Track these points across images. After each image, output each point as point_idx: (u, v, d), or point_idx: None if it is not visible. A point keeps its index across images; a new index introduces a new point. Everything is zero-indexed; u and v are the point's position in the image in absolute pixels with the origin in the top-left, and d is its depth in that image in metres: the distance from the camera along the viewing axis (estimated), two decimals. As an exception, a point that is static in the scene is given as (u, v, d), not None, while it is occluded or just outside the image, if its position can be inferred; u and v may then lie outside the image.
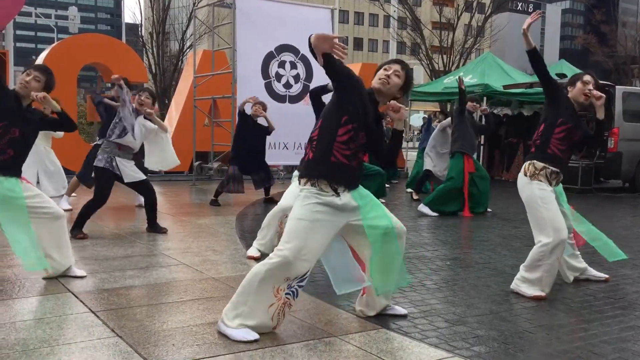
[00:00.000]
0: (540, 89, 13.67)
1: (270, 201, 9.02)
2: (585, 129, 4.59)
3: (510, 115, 16.06)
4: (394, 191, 11.79)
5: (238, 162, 8.72)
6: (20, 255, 4.25)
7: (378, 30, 67.42)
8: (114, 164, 6.25)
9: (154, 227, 6.60)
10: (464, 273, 5.12)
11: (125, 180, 6.38)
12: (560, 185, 4.61)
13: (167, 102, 21.02)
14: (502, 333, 3.59)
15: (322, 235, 3.35)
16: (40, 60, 12.79)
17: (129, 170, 6.36)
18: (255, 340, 3.28)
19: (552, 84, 4.64)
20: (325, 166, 3.38)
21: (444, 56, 24.72)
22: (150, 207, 6.60)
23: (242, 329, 3.33)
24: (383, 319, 3.79)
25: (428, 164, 10.26)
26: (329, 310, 3.95)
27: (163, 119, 15.77)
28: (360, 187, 3.58)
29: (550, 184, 4.46)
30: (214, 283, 4.55)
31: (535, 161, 4.49)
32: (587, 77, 4.54)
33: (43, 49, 15.02)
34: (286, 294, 3.36)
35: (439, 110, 14.74)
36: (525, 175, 4.51)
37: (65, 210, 7.97)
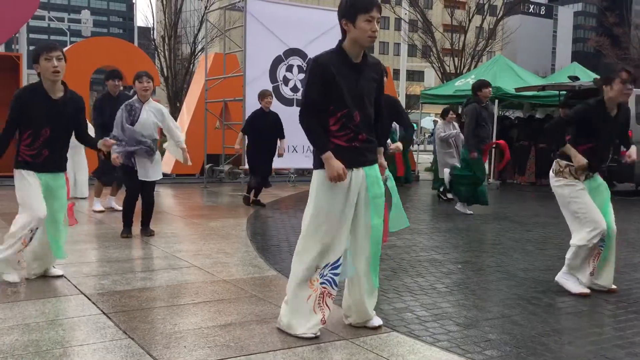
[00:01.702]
0: (552, 92, 13.65)
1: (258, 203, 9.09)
2: (616, 133, 4.62)
3: (522, 118, 15.99)
4: (408, 194, 11.77)
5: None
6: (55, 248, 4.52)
7: (389, 32, 67.36)
8: (132, 159, 6.22)
9: (146, 231, 6.49)
10: (476, 276, 5.10)
11: (140, 178, 6.28)
12: (597, 178, 4.62)
13: (178, 105, 21.09)
14: (514, 337, 3.57)
15: (341, 218, 3.38)
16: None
17: (142, 170, 6.27)
18: (315, 337, 3.38)
19: (573, 120, 4.61)
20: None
21: (455, 59, 24.63)
22: (148, 211, 6.53)
23: (300, 327, 3.40)
24: (394, 322, 3.78)
25: (446, 173, 10.29)
26: (338, 311, 3.95)
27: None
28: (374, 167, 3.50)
29: (578, 179, 4.53)
30: (225, 285, 4.56)
31: (559, 159, 4.63)
32: (624, 75, 4.42)
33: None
34: (321, 283, 3.39)
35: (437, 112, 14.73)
36: (552, 172, 4.66)
37: (97, 211, 8.03)
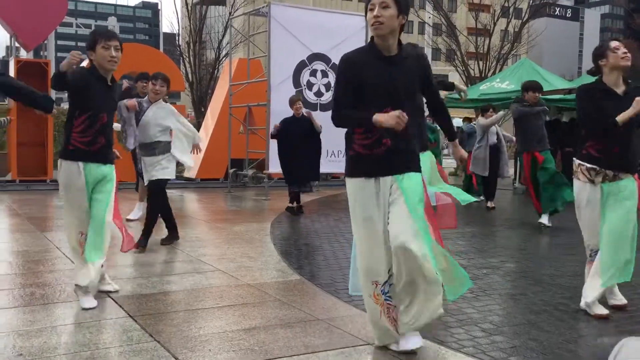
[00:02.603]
0: (579, 95, 13.44)
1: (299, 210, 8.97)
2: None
3: (548, 121, 15.80)
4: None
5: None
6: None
7: (413, 36, 67.04)
8: (139, 165, 6.19)
9: (142, 239, 5.99)
10: (501, 282, 5.05)
11: (145, 178, 6.14)
12: (624, 181, 4.12)
13: (203, 110, 21.26)
14: (540, 343, 3.52)
15: (374, 229, 3.23)
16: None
17: (145, 172, 6.08)
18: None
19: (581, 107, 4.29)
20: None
21: (480, 62, 24.45)
22: (146, 217, 6.20)
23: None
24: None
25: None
26: (363, 316, 3.94)
27: (199, 127, 15.99)
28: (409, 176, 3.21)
29: (593, 182, 4.14)
30: (249, 289, 4.57)
31: (575, 159, 4.34)
32: (614, 44, 4.16)
33: (83, 59, 15.33)
34: (385, 299, 3.24)
35: (473, 116, 14.59)
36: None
37: (131, 220, 7.82)
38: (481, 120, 10.53)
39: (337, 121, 3.28)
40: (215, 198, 11.06)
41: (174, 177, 6.46)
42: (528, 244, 6.88)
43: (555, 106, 14.57)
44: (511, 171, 16.05)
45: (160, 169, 6.00)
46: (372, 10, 3.11)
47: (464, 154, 3.67)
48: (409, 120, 3.09)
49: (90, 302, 3.98)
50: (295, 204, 8.90)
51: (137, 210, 7.99)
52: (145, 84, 7.82)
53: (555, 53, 74.24)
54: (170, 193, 6.63)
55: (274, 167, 11.17)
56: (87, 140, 4.09)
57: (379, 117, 3.06)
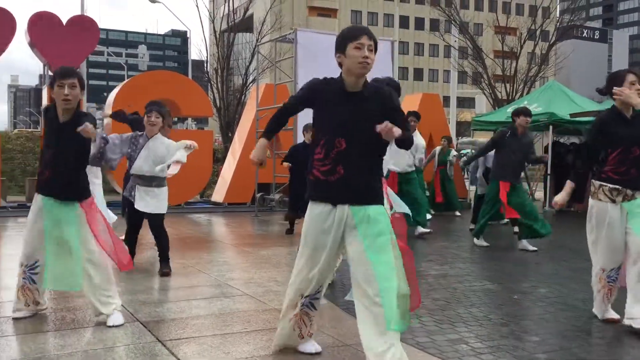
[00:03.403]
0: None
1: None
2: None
3: (578, 144, 15.62)
4: (458, 223, 11.60)
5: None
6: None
7: (438, 60, 67.24)
8: (132, 193, 6.06)
9: (162, 267, 6.07)
10: (532, 307, 4.96)
11: (135, 207, 6.00)
12: (636, 200, 4.29)
13: (230, 135, 21.48)
14: (574, 371, 3.44)
15: (319, 252, 3.45)
16: (111, 96, 13.39)
17: (141, 200, 5.98)
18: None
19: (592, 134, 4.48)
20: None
21: (507, 85, 24.33)
22: (159, 246, 6.17)
23: None
24: (449, 353, 3.70)
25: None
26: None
27: (227, 152, 16.14)
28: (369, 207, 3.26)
29: (614, 201, 4.32)
30: (276, 314, 4.56)
31: (593, 180, 4.46)
32: (631, 77, 4.27)
33: (114, 86, 15.73)
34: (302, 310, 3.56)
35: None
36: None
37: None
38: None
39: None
40: (243, 222, 11.11)
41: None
42: (559, 269, 6.75)
43: (585, 128, 14.41)
44: (540, 194, 15.87)
45: (157, 202, 6.02)
46: (359, 49, 3.21)
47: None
48: (358, 156, 3.25)
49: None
50: (292, 227, 9.23)
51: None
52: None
53: (583, 75, 73.57)
54: (198, 217, 6.74)
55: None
56: (40, 171, 4.31)
57: (259, 144, 3.50)
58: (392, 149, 3.69)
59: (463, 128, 34.72)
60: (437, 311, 4.67)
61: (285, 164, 9.03)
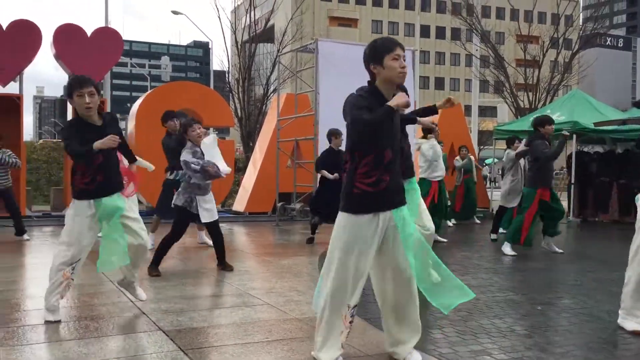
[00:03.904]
0: (634, 126, 13.12)
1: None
2: None
3: (601, 153, 15.42)
4: (479, 232, 11.50)
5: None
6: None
7: (460, 69, 67.00)
8: (193, 204, 6.43)
9: (222, 265, 6.74)
10: (557, 318, 4.89)
11: (202, 221, 6.57)
12: None
13: (251, 144, 21.60)
14: (600, 384, 3.38)
15: (364, 261, 3.50)
16: (135, 107, 13.55)
17: (205, 211, 6.49)
18: None
19: None
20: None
21: (530, 93, 24.13)
22: (219, 247, 6.75)
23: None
24: (471, 365, 3.66)
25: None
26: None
27: (248, 161, 16.22)
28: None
29: None
30: (297, 324, 4.56)
31: None
32: None
33: (138, 97, 15.91)
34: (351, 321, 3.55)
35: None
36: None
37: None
38: (511, 153, 10.35)
39: (363, 125, 3.31)
40: (263, 231, 11.13)
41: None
42: (584, 279, 6.66)
43: (609, 137, 14.23)
44: (564, 203, 15.68)
45: (212, 208, 6.57)
46: (397, 59, 3.38)
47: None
48: (396, 162, 3.45)
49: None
50: (313, 234, 9.27)
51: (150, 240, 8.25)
52: (173, 122, 8.15)
53: (607, 83, 72.75)
54: (220, 226, 6.83)
55: (322, 200, 11.23)
56: (88, 180, 4.48)
57: (394, 101, 3.31)
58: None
59: (485, 137, 34.48)
60: (460, 322, 4.62)
61: (324, 172, 8.93)
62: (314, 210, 9.18)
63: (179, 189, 6.62)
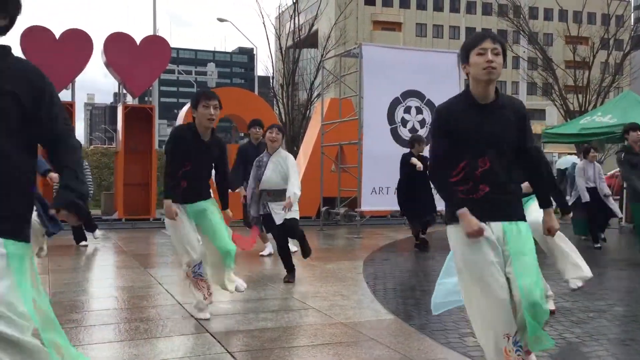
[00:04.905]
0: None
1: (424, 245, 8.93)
2: None
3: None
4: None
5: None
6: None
7: (506, 71, 65.68)
8: (267, 210, 6.44)
9: (292, 274, 6.50)
10: (609, 326, 4.74)
11: (277, 223, 6.42)
12: None
13: (295, 149, 21.74)
14: (657, 395, 3.26)
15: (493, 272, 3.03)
16: (182, 113, 13.81)
17: (277, 214, 6.40)
18: None
19: None
20: None
21: (579, 96, 23.54)
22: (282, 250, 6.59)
23: None
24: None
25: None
26: (460, 359, 3.81)
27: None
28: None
29: None
30: (343, 328, 4.55)
31: None
32: None
33: (184, 103, 16.22)
34: (517, 351, 2.98)
35: (573, 152, 13.97)
36: None
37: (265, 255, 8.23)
38: (580, 164, 10.03)
39: (434, 180, 3.20)
40: (308, 236, 11.04)
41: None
42: (637, 287, 6.44)
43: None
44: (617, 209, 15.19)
45: (290, 209, 6.32)
46: (482, 54, 3.00)
47: (556, 225, 3.23)
48: (498, 173, 3.01)
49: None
50: (419, 240, 8.99)
51: (268, 249, 8.34)
52: (257, 131, 8.19)
53: (661, 84, 70.22)
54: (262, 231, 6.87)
55: (366, 205, 11.20)
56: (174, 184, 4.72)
57: (465, 216, 2.96)
58: None
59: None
60: (508, 329, 4.53)
61: (414, 159, 8.76)
62: (409, 215, 9.05)
63: (252, 201, 6.59)
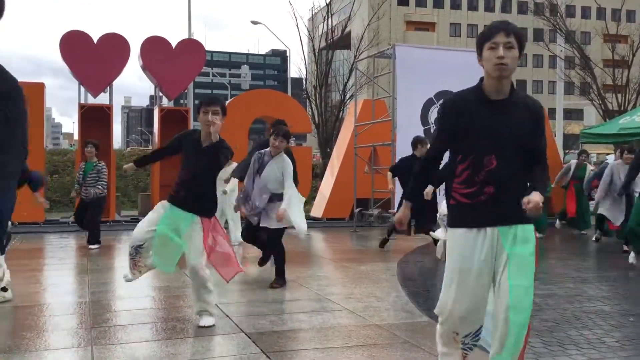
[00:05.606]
0: None
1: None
2: None
3: None
4: (571, 241, 11.06)
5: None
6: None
7: (543, 70, 64.76)
8: (257, 211, 6.24)
9: (281, 278, 6.28)
10: (651, 331, 4.63)
11: (261, 224, 6.25)
12: None
13: (329, 150, 21.75)
14: (701, 402, 3.17)
15: (469, 280, 3.01)
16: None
17: (267, 217, 6.21)
18: None
19: None
20: None
21: (619, 95, 23.01)
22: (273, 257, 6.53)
23: None
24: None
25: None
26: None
27: (325, 167, 16.34)
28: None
29: None
30: (377, 330, 4.54)
31: None
32: None
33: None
34: (463, 349, 3.05)
35: (611, 152, 13.62)
36: None
37: None
38: (614, 164, 9.80)
39: (415, 169, 3.22)
40: (341, 237, 11.16)
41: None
42: (681, 291, 6.27)
43: None
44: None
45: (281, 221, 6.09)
46: (493, 49, 2.84)
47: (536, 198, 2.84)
48: (507, 173, 2.87)
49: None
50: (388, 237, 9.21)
51: None
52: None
53: None
54: (297, 232, 6.82)
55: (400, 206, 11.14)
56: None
57: (403, 207, 3.26)
58: None
59: (571, 141, 33.16)
60: (546, 333, 4.47)
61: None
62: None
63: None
